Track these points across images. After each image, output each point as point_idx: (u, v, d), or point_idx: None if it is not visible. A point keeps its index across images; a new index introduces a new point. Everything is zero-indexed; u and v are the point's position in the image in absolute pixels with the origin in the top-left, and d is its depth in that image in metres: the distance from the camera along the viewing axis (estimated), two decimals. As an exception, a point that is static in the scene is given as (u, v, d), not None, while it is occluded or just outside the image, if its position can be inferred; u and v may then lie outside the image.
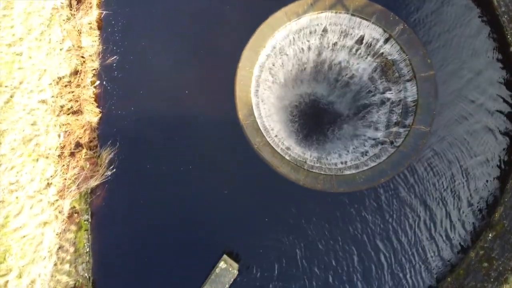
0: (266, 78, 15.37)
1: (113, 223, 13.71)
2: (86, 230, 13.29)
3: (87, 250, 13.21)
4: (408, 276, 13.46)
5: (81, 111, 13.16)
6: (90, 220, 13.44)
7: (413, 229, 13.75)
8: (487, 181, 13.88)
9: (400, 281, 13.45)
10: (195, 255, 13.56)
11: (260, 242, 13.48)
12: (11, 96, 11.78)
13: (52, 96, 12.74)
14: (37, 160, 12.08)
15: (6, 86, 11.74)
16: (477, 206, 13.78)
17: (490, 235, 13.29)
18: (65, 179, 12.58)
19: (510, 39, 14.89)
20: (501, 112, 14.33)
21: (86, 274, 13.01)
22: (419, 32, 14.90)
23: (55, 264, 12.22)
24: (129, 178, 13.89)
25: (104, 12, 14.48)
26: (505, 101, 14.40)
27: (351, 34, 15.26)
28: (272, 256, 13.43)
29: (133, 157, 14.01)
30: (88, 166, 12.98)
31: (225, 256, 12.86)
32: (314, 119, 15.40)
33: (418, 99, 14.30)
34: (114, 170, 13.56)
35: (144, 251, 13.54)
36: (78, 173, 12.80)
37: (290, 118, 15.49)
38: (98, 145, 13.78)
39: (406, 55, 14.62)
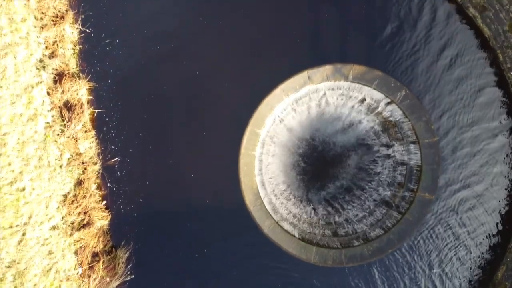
0: (268, 150, 15.25)
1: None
2: (115, 326, 14.21)
3: None
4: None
5: (92, 222, 13.33)
6: (117, 316, 14.32)
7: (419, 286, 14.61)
8: (489, 238, 14.37)
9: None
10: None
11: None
12: (23, 234, 11.92)
13: (62, 218, 12.86)
14: (60, 286, 12.56)
15: (16, 226, 11.83)
16: (480, 263, 14.42)
17: (493, 295, 14.14)
18: (89, 292, 13.18)
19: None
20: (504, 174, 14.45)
21: None
22: (421, 97, 14.46)
23: None
24: (147, 270, 14.47)
25: (96, 110, 13.98)
26: None
27: (352, 96, 14.87)
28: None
29: (149, 249, 14.48)
30: (107, 274, 13.47)
31: None
32: (318, 174, 15.51)
33: (422, 165, 14.34)
34: (132, 267, 14.11)
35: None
36: (100, 283, 13.34)
37: (294, 177, 15.64)
38: (113, 246, 14.17)
39: (409, 120, 14.36)
